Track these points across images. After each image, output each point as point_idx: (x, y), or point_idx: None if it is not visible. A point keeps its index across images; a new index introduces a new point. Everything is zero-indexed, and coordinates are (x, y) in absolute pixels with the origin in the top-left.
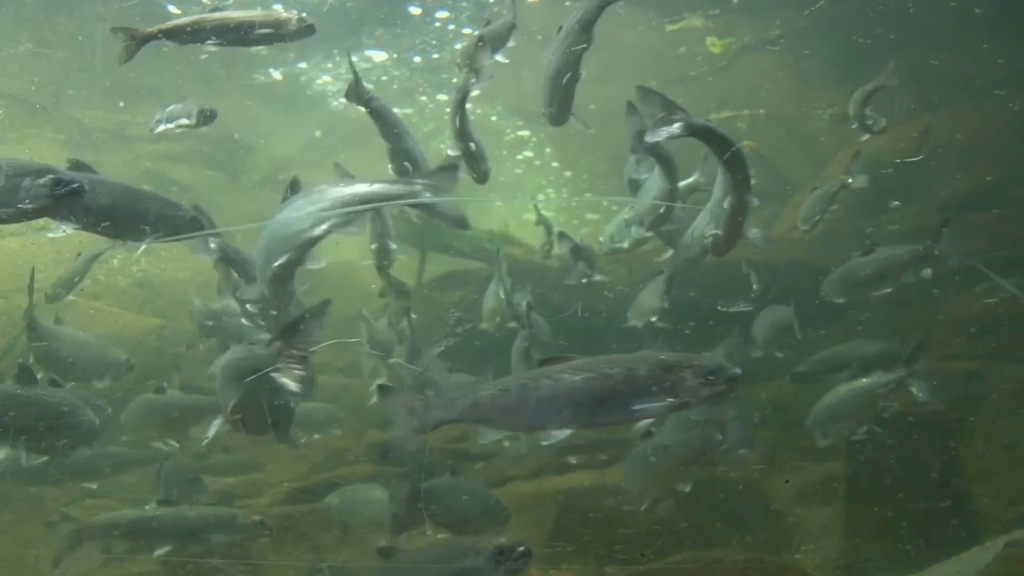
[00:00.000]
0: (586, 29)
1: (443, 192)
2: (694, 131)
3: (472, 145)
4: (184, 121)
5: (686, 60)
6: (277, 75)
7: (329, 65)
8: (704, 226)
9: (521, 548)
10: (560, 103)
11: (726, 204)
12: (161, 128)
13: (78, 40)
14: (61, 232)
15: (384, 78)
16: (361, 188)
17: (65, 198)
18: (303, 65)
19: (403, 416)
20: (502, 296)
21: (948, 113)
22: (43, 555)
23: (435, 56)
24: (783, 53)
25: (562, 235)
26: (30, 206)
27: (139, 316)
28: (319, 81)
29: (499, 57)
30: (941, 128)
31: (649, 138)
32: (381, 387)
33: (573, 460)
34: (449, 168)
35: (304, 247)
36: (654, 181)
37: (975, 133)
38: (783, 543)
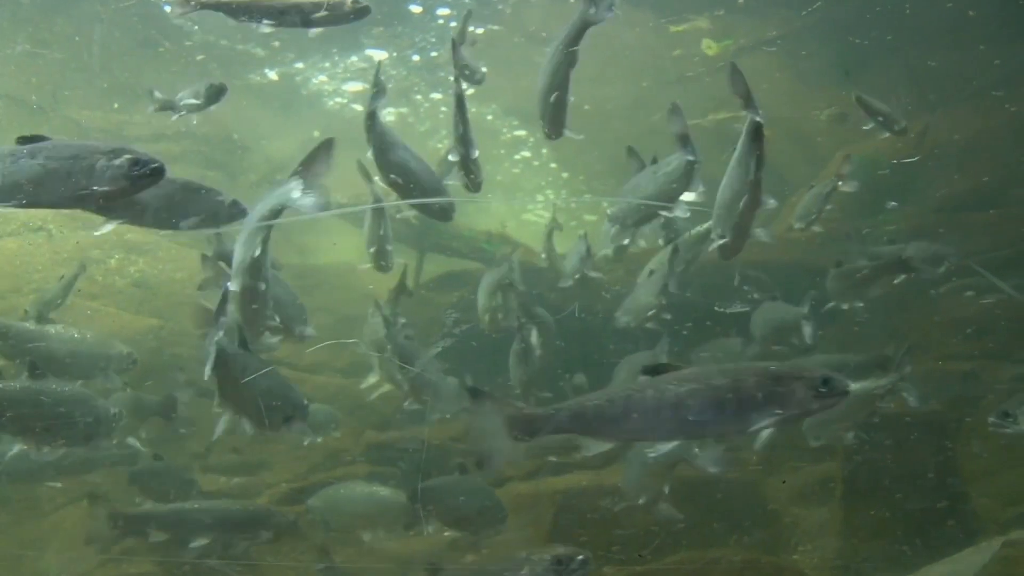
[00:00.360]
0: (570, 49)
1: (318, 174)
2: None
3: (475, 152)
4: (192, 101)
5: (683, 61)
6: (273, 75)
7: (327, 64)
8: (712, 227)
9: (580, 557)
10: (552, 120)
11: (741, 204)
12: (175, 117)
13: (75, 40)
14: (108, 227)
15: (380, 77)
16: (260, 204)
17: (144, 179)
18: (300, 65)
19: (498, 425)
20: (511, 296)
21: (946, 114)
22: (40, 556)
23: (434, 54)
24: (780, 54)
25: (582, 237)
26: (105, 189)
27: (136, 316)
28: (315, 80)
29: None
30: (939, 129)
31: (752, 116)
32: (473, 391)
33: (553, 458)
34: (321, 149)
35: (251, 271)
36: (639, 180)
37: (972, 134)
38: (780, 543)
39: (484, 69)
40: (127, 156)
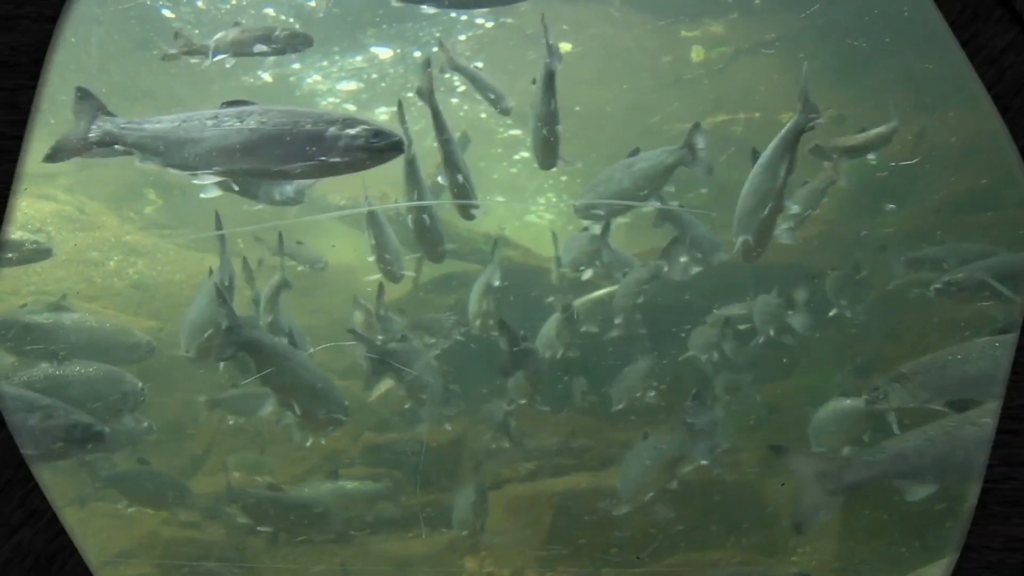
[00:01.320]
0: (549, 88)
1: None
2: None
3: (460, 177)
4: (262, 48)
5: (681, 63)
6: (267, 77)
7: (325, 63)
8: (734, 231)
9: None
10: (543, 153)
11: (766, 211)
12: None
13: (71, 43)
14: (213, 192)
15: (374, 76)
16: None
17: (387, 153)
18: (297, 66)
19: (812, 479)
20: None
21: (943, 116)
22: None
23: (435, 50)
24: (778, 56)
25: (584, 231)
26: (337, 160)
27: (135, 318)
28: (308, 80)
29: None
30: (936, 131)
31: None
32: (776, 449)
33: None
34: None
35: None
36: (613, 172)
37: (970, 136)
38: (779, 546)
39: (512, 103)
40: (364, 126)
